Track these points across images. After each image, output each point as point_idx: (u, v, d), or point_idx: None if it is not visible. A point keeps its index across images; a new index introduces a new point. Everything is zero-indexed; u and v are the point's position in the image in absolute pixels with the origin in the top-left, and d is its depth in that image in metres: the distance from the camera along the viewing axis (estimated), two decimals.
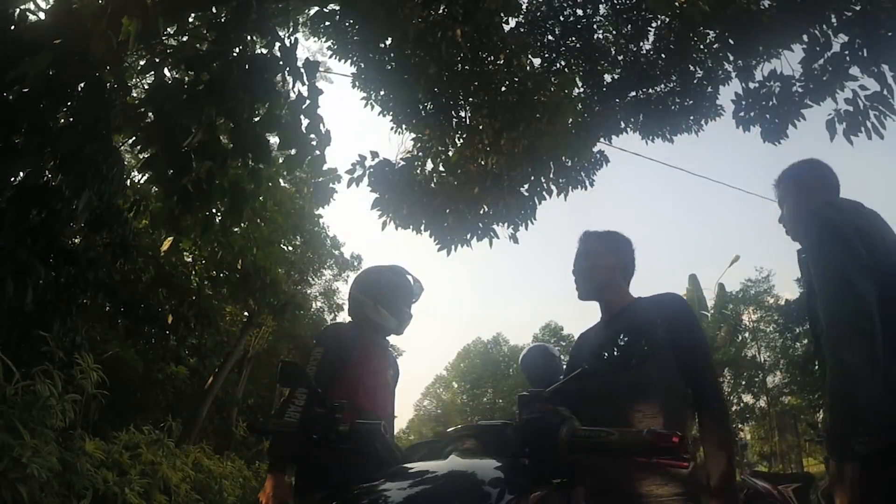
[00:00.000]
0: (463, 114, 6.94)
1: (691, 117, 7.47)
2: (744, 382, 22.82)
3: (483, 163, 6.63)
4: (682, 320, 1.86)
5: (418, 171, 7.11)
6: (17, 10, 3.55)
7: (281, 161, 6.67)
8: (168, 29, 3.97)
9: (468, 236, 6.84)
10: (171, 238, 7.19)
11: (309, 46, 33.38)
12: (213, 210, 4.21)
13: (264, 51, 3.97)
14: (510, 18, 7.06)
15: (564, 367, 3.63)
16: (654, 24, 7.32)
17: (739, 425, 21.94)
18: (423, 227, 6.78)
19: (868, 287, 1.52)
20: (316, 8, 5.54)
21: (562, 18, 7.43)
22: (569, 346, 40.12)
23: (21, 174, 3.84)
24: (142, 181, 7.09)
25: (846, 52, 5.24)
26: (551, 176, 6.79)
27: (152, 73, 3.95)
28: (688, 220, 69.22)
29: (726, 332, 21.32)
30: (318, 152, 4.07)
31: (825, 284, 1.58)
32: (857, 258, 1.55)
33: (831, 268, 1.57)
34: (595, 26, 7.58)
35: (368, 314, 2.52)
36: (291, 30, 4.84)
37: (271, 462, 2.34)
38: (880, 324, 1.48)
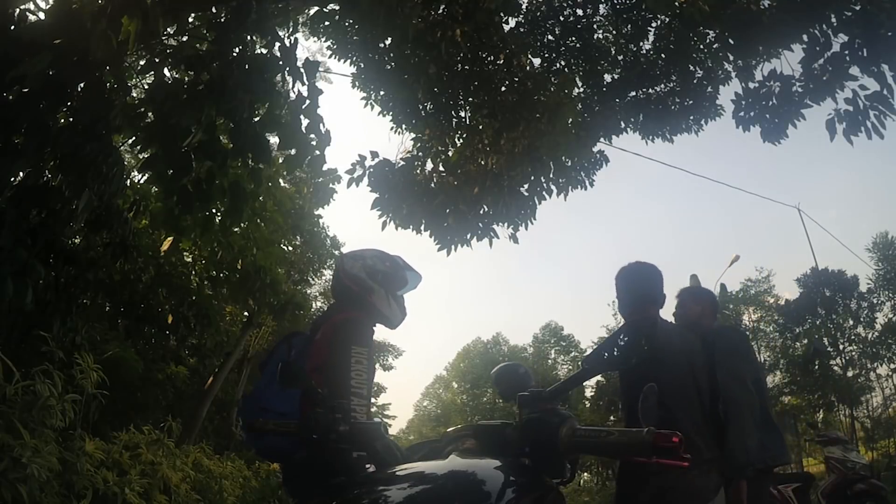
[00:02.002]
0: (463, 114, 6.95)
1: (691, 117, 7.48)
2: None
3: (483, 163, 6.64)
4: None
5: (418, 171, 7.12)
6: (17, 10, 3.56)
7: (281, 161, 6.67)
8: (168, 29, 3.97)
9: (468, 236, 6.84)
10: (171, 238, 7.21)
11: (309, 46, 33.36)
12: (213, 210, 4.22)
13: (264, 51, 3.98)
14: (510, 18, 7.08)
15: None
16: (654, 24, 7.32)
17: None
18: (423, 227, 6.78)
19: (752, 386, 2.60)
20: (316, 8, 5.54)
21: (562, 18, 7.43)
22: (569, 346, 40.05)
23: (21, 174, 3.84)
24: (142, 181, 7.09)
25: (846, 52, 5.24)
26: (551, 176, 6.80)
27: (152, 73, 3.95)
28: (688, 220, 69.11)
29: None
30: (318, 152, 4.08)
31: (734, 380, 2.53)
32: (751, 370, 2.81)
33: (739, 371, 2.61)
34: (595, 26, 7.58)
35: (377, 304, 2.28)
36: (291, 30, 4.86)
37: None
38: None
